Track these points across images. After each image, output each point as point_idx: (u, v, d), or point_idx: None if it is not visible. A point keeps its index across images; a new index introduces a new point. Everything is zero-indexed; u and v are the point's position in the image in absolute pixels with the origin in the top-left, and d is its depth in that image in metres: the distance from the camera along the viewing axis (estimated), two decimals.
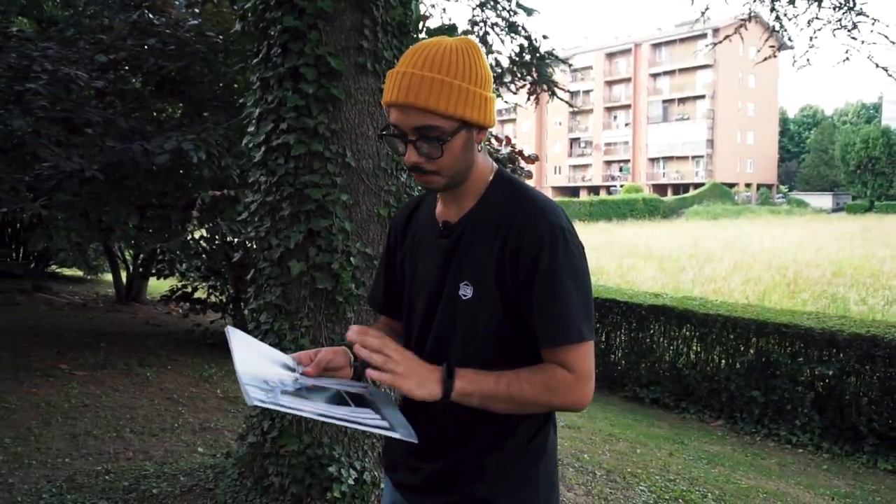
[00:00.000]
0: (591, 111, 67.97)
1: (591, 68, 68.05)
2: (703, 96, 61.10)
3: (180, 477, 3.57)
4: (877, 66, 6.55)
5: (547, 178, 70.30)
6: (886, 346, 5.51)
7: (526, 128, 70.56)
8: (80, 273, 13.14)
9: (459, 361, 1.36)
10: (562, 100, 8.09)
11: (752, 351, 6.38)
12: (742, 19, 6.81)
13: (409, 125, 1.29)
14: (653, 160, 64.84)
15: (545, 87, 7.68)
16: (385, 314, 1.66)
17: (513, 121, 69.92)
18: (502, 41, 7.46)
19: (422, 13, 4.04)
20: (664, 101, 64.00)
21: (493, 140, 8.45)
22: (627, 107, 66.39)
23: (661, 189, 61.76)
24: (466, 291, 1.36)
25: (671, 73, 63.08)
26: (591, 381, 1.32)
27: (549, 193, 66.10)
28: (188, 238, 6.97)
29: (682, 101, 62.73)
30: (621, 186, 60.31)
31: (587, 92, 67.96)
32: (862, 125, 65.07)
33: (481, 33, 7.19)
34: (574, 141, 70.84)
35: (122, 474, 3.63)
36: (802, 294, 12.56)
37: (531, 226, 1.31)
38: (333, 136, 3.07)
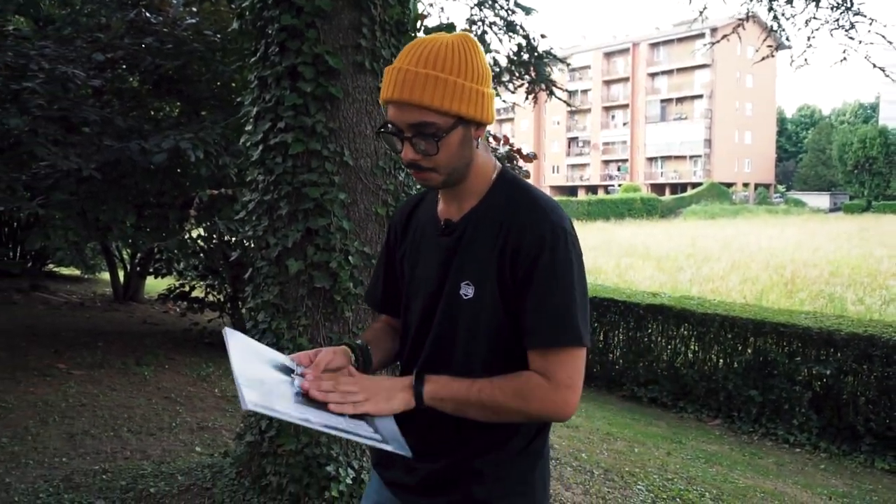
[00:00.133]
0: (588, 110, 67.99)
1: (588, 68, 68.06)
2: (700, 96, 61.15)
3: (178, 476, 3.56)
4: (874, 66, 6.56)
5: (545, 178, 70.32)
6: (884, 346, 5.52)
7: (524, 127, 70.59)
8: (77, 272, 13.12)
9: (462, 362, 1.36)
10: (560, 99, 8.10)
11: (749, 350, 6.38)
12: (740, 19, 6.82)
13: (405, 122, 1.29)
14: (651, 160, 64.88)
15: (543, 86, 7.68)
16: (384, 312, 1.65)
17: (511, 120, 69.94)
18: (500, 40, 7.47)
19: (420, 12, 4.04)
20: (662, 101, 64.03)
21: (491, 139, 8.46)
22: (625, 106, 66.43)
23: (658, 188, 61.81)
24: (468, 291, 1.35)
25: (669, 72, 63.11)
26: (572, 390, 1.28)
27: (547, 193, 65.72)
28: (186, 237, 6.95)
29: (679, 100, 62.77)
30: (619, 186, 60.34)
31: (585, 91, 67.98)
32: (859, 125, 65.19)
33: (479, 32, 7.19)
34: (572, 140, 70.87)
35: (119, 474, 3.62)
36: (800, 293, 12.58)
37: (533, 225, 1.30)
38: (331, 134, 3.06)
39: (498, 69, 7.54)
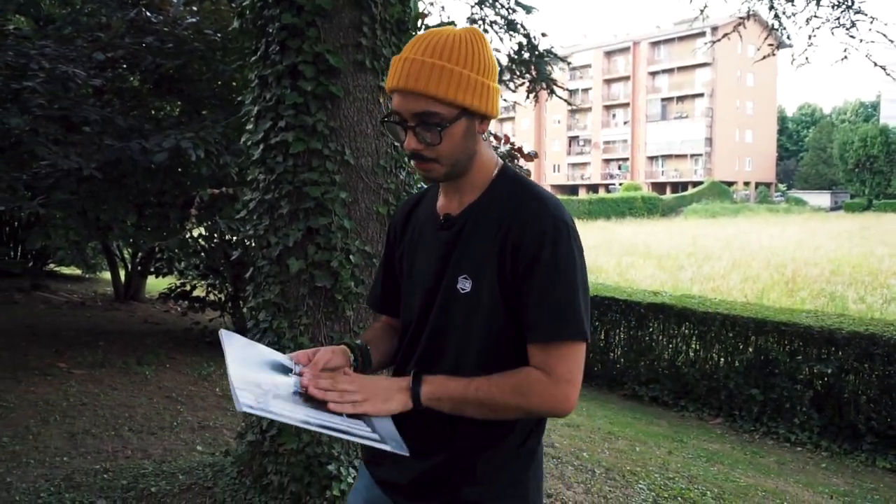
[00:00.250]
0: (589, 109, 67.95)
1: (589, 66, 68.03)
2: (701, 94, 61.10)
3: (179, 475, 3.56)
4: (875, 64, 6.55)
5: (546, 177, 70.30)
6: (885, 345, 5.51)
7: (525, 126, 70.55)
8: (78, 271, 13.12)
9: (454, 358, 1.35)
10: (560, 98, 8.09)
11: (750, 349, 6.38)
12: (741, 18, 6.81)
13: (410, 111, 1.28)
14: (651, 158, 64.85)
15: (544, 84, 7.67)
16: (383, 312, 1.65)
17: (511, 119, 69.92)
18: (501, 39, 7.46)
19: (420, 10, 4.03)
20: (663, 100, 63.98)
21: (492, 138, 8.46)
22: (626, 105, 66.39)
23: (659, 187, 61.78)
24: (465, 285, 1.34)
25: (670, 71, 63.07)
26: (572, 384, 1.27)
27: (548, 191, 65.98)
28: (187, 236, 6.96)
29: (680, 99, 62.72)
30: (620, 185, 60.33)
31: (586, 90, 67.94)
32: (860, 124, 65.14)
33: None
34: (573, 139, 70.85)
35: (120, 473, 3.62)
36: (801, 292, 12.57)
37: (534, 220, 1.29)
38: (332, 133, 3.06)
39: (499, 68, 7.53)
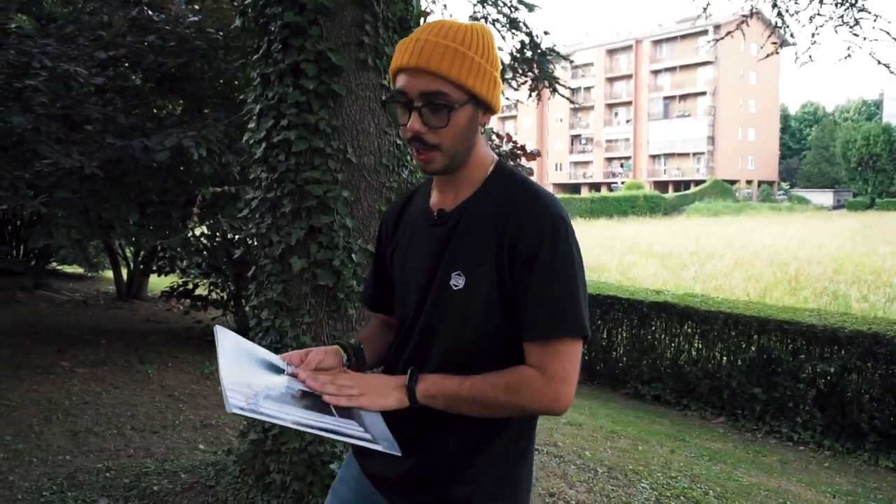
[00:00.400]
0: (592, 108, 67.89)
1: (591, 65, 67.96)
2: (704, 93, 61.01)
3: (181, 474, 3.56)
4: (879, 62, 6.53)
5: (548, 175, 70.28)
6: (888, 344, 5.50)
7: (527, 124, 70.51)
8: (80, 270, 13.14)
9: (442, 354, 1.35)
10: (563, 96, 8.07)
11: (753, 348, 6.37)
12: (744, 16, 6.79)
13: (418, 89, 1.26)
14: (654, 157, 64.78)
15: (546, 83, 7.65)
16: (374, 310, 1.64)
17: (514, 117, 69.84)
18: (503, 37, 7.44)
19: (423, 9, 4.03)
20: (665, 98, 63.90)
21: (494, 137, 8.45)
22: (628, 103, 66.31)
23: (662, 186, 61.71)
24: (458, 282, 1.32)
25: (672, 69, 62.98)
26: (566, 383, 1.25)
27: (551, 190, 65.83)
28: (189, 235, 6.96)
29: (683, 97, 62.64)
30: (622, 183, 60.25)
31: (588, 88, 67.87)
32: (863, 122, 65.04)
33: None
34: (575, 138, 70.79)
35: (122, 471, 3.62)
36: (804, 291, 12.55)
37: (532, 218, 1.28)
38: (334, 132, 3.05)
39: (501, 66, 7.52)
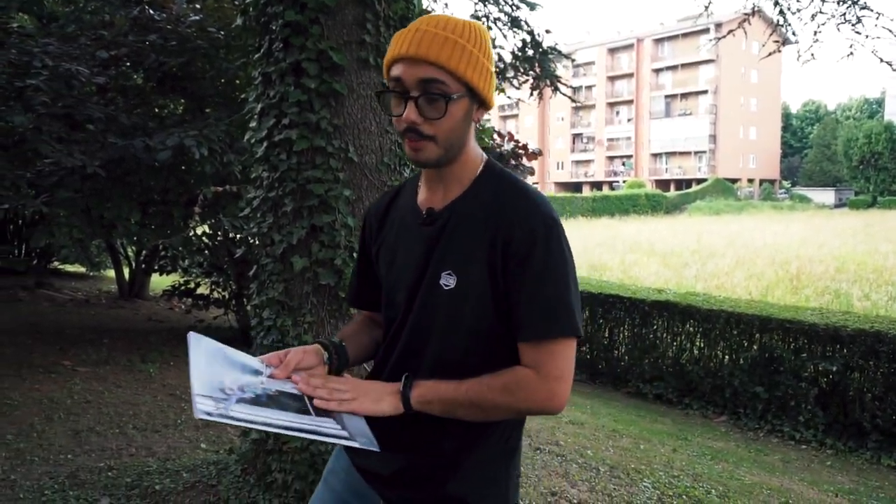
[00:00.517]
0: (593, 106, 67.86)
1: (593, 63, 67.91)
2: (705, 91, 60.95)
3: (183, 473, 3.56)
4: (881, 60, 6.50)
5: (549, 174, 70.25)
6: (890, 342, 5.49)
7: (528, 123, 70.48)
8: (82, 269, 13.15)
9: (436, 354, 1.34)
10: (564, 95, 8.06)
11: (755, 347, 6.37)
12: (745, 14, 6.77)
13: (416, 77, 1.25)
14: (655, 155, 64.74)
15: (548, 81, 7.65)
16: (359, 307, 1.63)
17: (515, 116, 69.84)
18: (505, 36, 7.44)
19: (424, 7, 4.02)
20: (667, 97, 63.85)
21: (496, 135, 8.44)
22: (630, 102, 66.27)
23: (663, 184, 61.67)
24: (448, 281, 1.31)
25: (673, 68, 62.93)
26: (562, 382, 1.26)
27: (552, 189, 66.07)
28: (190, 234, 6.96)
29: (684, 96, 62.59)
30: (624, 182, 60.21)
31: (589, 87, 67.81)
32: (865, 120, 64.88)
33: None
34: (576, 136, 70.76)
35: (124, 471, 3.62)
36: (806, 290, 12.53)
37: (524, 218, 1.27)
38: (336, 131, 3.05)
39: (502, 65, 7.51)
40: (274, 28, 3.09)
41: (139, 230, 6.76)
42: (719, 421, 6.34)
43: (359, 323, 1.63)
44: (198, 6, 6.84)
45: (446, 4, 10.55)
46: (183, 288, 7.88)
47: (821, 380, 5.95)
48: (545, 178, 68.81)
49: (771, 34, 6.90)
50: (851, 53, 6.57)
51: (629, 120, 66.57)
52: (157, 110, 7.18)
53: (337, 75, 3.03)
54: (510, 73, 7.70)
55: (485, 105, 1.33)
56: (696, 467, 4.49)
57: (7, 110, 5.21)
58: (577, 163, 70.90)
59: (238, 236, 6.78)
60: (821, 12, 6.46)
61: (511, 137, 8.88)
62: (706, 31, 52.82)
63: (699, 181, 57.71)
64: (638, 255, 18.60)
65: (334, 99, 3.05)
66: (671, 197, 51.83)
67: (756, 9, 6.82)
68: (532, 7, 7.21)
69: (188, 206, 6.60)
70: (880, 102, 74.03)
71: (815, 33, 6.65)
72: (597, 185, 66.29)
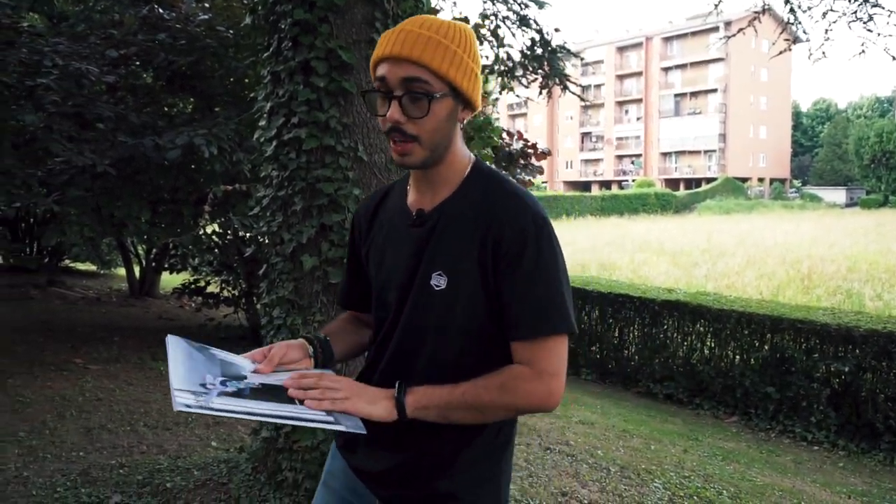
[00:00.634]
0: (602, 105, 67.67)
1: (601, 62, 67.72)
2: (715, 90, 60.66)
3: (194, 471, 3.57)
4: (893, 58, 6.45)
5: (558, 173, 70.11)
6: None
7: (537, 122, 70.34)
8: (93, 268, 13.22)
9: (430, 354, 1.34)
10: (573, 93, 8.03)
11: (766, 347, 6.33)
12: (755, 12, 6.72)
13: (399, 76, 1.26)
14: (665, 154, 64.49)
15: (557, 80, 7.62)
16: (348, 308, 1.63)
17: (524, 115, 69.71)
18: (513, 34, 7.40)
19: (432, 5, 4.01)
20: (676, 95, 63.58)
21: (505, 135, 8.42)
22: (639, 101, 66.04)
23: (673, 183, 61.44)
24: (439, 282, 1.32)
25: (683, 66, 62.66)
26: (557, 378, 1.26)
27: (561, 188, 65.94)
28: (200, 233, 6.98)
29: (693, 94, 62.32)
30: (633, 181, 60.03)
31: (598, 86, 67.62)
32: (876, 119, 64.38)
33: (492, 26, 7.13)
34: (585, 135, 70.57)
35: (136, 468, 3.63)
36: (817, 290, 12.45)
37: (514, 219, 1.28)
38: (345, 129, 3.05)
39: (511, 64, 7.49)
40: (283, 27, 3.08)
41: (149, 228, 6.78)
42: (730, 421, 6.30)
43: (343, 320, 1.63)
44: (207, 5, 6.86)
45: (455, 3, 10.53)
46: (193, 286, 7.91)
47: (833, 380, 5.91)
48: (554, 178, 68.69)
49: (781, 32, 6.85)
50: (863, 51, 6.52)
51: (638, 119, 66.35)
52: (166, 109, 7.20)
53: (346, 74, 3.03)
54: (519, 72, 7.67)
55: (470, 106, 1.33)
56: (708, 468, 4.47)
57: (18, 109, 5.24)
58: (586, 162, 70.72)
59: (248, 235, 6.79)
60: (832, 10, 6.41)
61: (520, 136, 8.87)
62: (716, 29, 52.58)
63: (709, 180, 57.46)
64: (647, 254, 18.53)
65: (343, 98, 3.04)
66: (681, 196, 51.63)
67: (766, 7, 6.78)
68: (541, 5, 7.18)
69: (198, 204, 6.62)
70: (892, 101, 73.54)
71: (827, 31, 6.61)
72: (606, 185, 66.10)
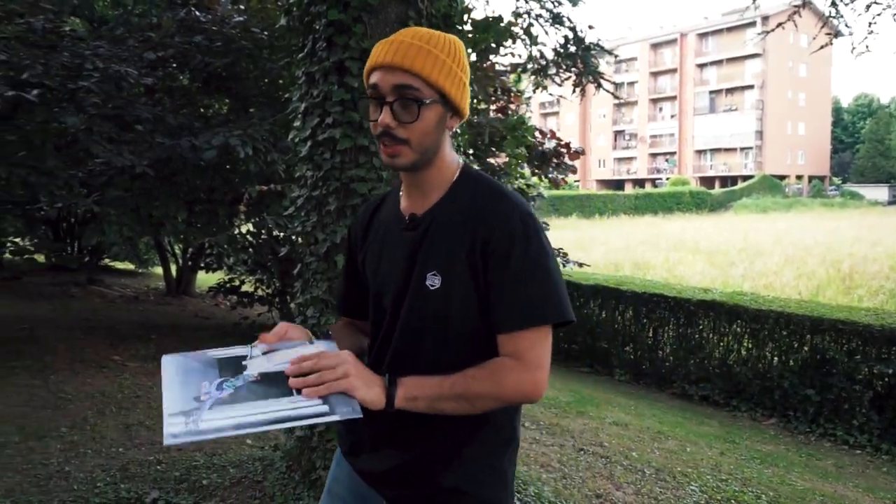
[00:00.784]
0: (635, 103, 66.91)
1: (635, 59, 66.97)
2: (751, 86, 59.54)
3: (229, 468, 3.61)
4: None
5: (591, 172, 69.53)
6: None
7: (570, 121, 69.85)
8: (131, 266, 13.49)
9: (431, 353, 1.36)
10: (607, 91, 7.94)
11: (806, 348, 6.19)
12: (795, 6, 6.58)
13: (390, 83, 1.32)
14: (700, 152, 63.53)
15: (591, 78, 7.54)
16: (345, 314, 1.67)
17: (556, 114, 69.31)
18: (546, 32, 7.35)
19: (466, 5, 3.99)
20: (711, 92, 62.58)
21: (537, 133, 8.36)
22: (673, 98, 65.15)
23: (708, 182, 60.48)
24: (434, 281, 1.35)
25: (718, 62, 61.64)
26: (542, 370, 1.30)
27: (594, 187, 65.39)
28: (235, 232, 7.07)
29: (729, 91, 61.27)
30: (667, 179, 59.25)
31: (632, 83, 66.88)
32: None
33: (525, 24, 7.09)
34: (618, 133, 69.87)
35: (173, 465, 3.69)
36: (858, 290, 12.15)
37: (502, 221, 1.32)
38: None
39: (545, 62, 7.44)
40: (317, 27, 3.10)
41: (186, 228, 6.89)
42: (768, 424, 6.18)
43: (339, 328, 1.65)
44: (242, 7, 6.94)
45: (487, 1, 10.50)
46: (228, 285, 8.01)
47: (876, 383, 5.75)
48: (586, 176, 68.14)
49: (822, 27, 6.69)
50: None
51: (672, 116, 65.47)
52: (202, 110, 7.30)
53: None
54: (552, 70, 7.62)
55: (458, 113, 1.39)
56: (745, 471, 4.39)
57: (60, 111, 5.35)
58: (619, 160, 70.02)
59: (282, 235, 6.86)
60: (875, 2, 6.25)
61: (553, 135, 8.79)
62: (752, 24, 51.65)
63: (745, 178, 56.45)
64: (682, 253, 18.28)
65: None
66: (716, 194, 50.81)
67: (806, 1, 6.62)
68: (574, 3, 7.11)
69: (233, 204, 6.71)
70: None
71: (870, 24, 6.44)
72: (639, 183, 65.34)
